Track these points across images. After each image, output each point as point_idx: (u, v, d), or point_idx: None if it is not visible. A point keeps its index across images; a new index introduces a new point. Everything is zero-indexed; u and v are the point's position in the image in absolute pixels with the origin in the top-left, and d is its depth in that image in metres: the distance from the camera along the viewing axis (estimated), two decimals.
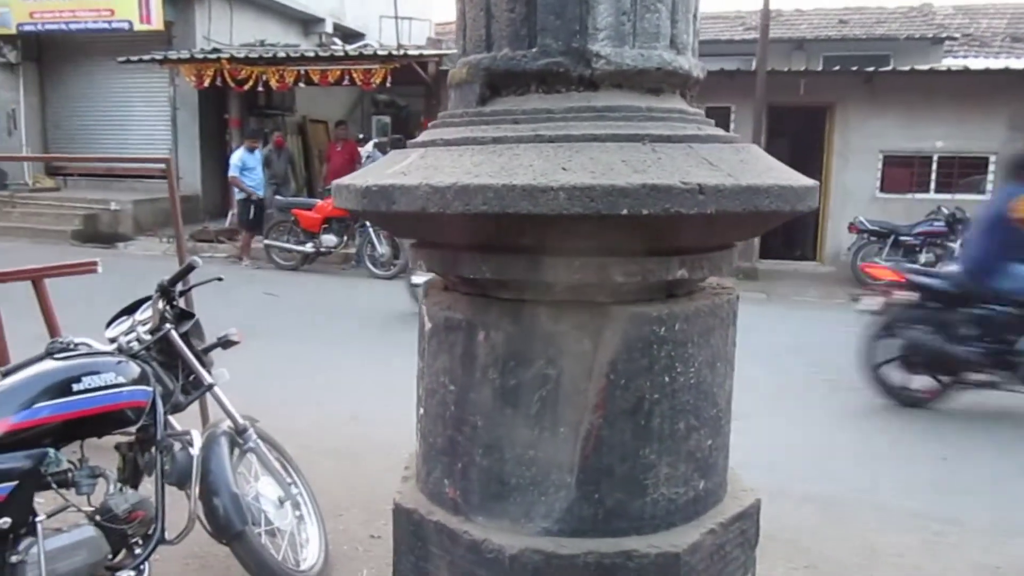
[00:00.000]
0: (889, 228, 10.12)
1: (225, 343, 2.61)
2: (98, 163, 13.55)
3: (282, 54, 11.88)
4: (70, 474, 2.02)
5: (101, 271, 3.74)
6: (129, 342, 2.33)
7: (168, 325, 2.40)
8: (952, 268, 5.39)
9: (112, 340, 2.37)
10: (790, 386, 5.53)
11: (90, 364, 2.08)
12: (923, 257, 9.87)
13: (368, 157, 11.27)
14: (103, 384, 2.05)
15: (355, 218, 9.60)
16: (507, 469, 1.49)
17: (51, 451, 1.96)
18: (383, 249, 9.81)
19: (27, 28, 13.50)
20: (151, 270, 5.71)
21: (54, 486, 2.00)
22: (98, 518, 2.10)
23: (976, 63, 12.99)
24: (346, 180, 1.54)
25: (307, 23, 16.14)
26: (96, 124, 14.19)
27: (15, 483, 1.89)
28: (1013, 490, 3.84)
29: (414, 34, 15.59)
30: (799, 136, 12.36)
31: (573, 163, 1.29)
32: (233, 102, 12.85)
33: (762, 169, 1.42)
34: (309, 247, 10.27)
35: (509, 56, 1.45)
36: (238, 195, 10.86)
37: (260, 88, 12.06)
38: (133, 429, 2.20)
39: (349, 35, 16.73)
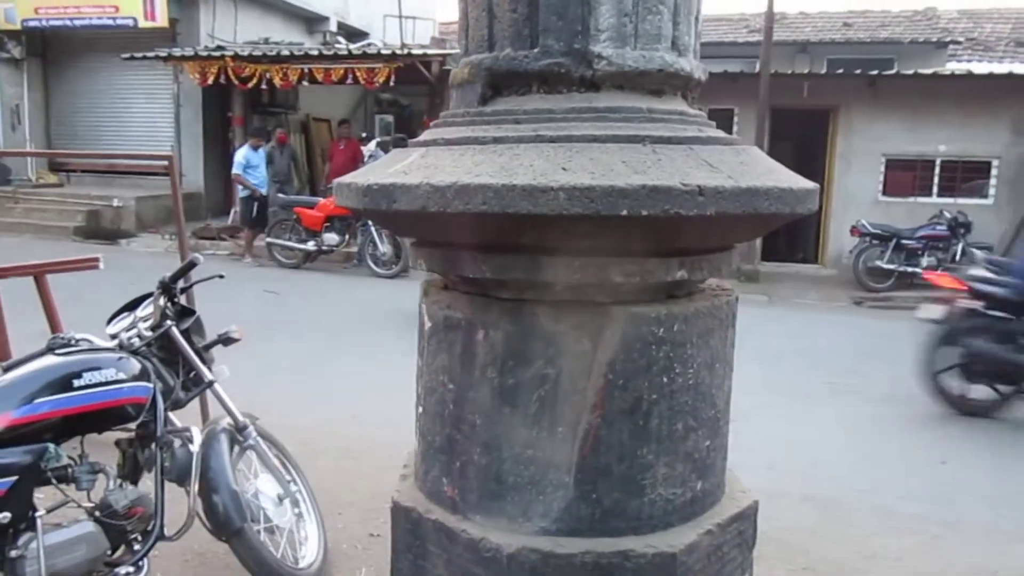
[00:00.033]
0: (891, 231, 10.11)
1: (226, 340, 2.62)
2: (101, 159, 13.55)
3: (286, 52, 11.89)
4: (70, 469, 2.03)
5: (103, 267, 3.76)
6: (130, 338, 2.34)
7: (169, 322, 2.41)
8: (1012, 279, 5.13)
9: (113, 336, 2.38)
10: (790, 388, 5.53)
11: (91, 360, 2.09)
12: (925, 261, 9.87)
13: (371, 156, 11.25)
14: (104, 380, 2.06)
15: (357, 217, 9.59)
16: (505, 468, 1.49)
17: (51, 446, 1.97)
18: (385, 248, 9.82)
19: (32, 24, 13.52)
20: (153, 267, 5.73)
21: (54, 481, 2.01)
22: (98, 514, 2.11)
23: (980, 67, 12.99)
24: (347, 178, 1.54)
25: (311, 21, 16.15)
26: (100, 120, 14.19)
27: (15, 478, 1.90)
28: (1012, 493, 3.84)
29: (418, 33, 15.59)
30: (802, 139, 12.36)
31: (573, 163, 1.30)
32: (237, 100, 12.86)
33: (762, 171, 1.42)
34: (311, 245, 10.27)
35: (511, 56, 1.46)
36: (241, 192, 10.86)
37: (264, 86, 12.07)
38: (133, 425, 2.21)
39: (353, 34, 16.74)
